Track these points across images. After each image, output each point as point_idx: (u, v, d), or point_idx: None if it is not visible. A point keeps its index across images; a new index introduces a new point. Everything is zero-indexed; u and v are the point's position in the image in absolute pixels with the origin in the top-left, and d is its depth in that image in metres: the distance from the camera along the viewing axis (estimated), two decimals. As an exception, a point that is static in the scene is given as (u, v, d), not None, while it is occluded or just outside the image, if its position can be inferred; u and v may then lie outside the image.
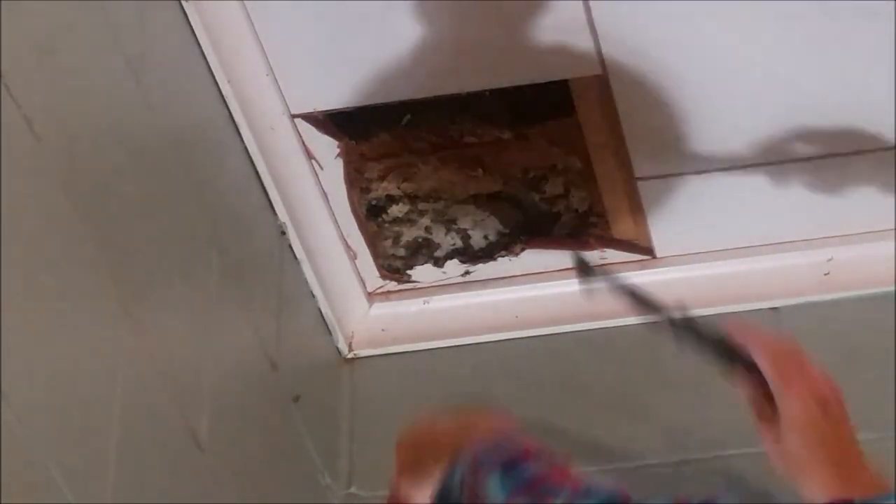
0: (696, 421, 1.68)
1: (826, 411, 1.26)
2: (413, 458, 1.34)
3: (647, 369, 1.72)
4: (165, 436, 1.31)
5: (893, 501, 1.11)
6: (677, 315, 1.32)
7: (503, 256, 1.82)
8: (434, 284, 1.86)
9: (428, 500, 1.29)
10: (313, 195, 1.74)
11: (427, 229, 1.82)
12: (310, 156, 1.71)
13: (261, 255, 1.65)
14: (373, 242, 1.83)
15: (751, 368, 1.26)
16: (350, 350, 1.85)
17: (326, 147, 1.72)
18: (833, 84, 1.57)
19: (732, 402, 1.61)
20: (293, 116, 1.66)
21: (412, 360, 1.83)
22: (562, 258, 1.82)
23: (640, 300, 1.34)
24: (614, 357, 1.76)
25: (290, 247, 1.72)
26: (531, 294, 1.82)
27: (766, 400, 1.27)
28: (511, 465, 1.17)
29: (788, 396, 1.25)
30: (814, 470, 1.26)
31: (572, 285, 1.80)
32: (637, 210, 1.74)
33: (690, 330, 1.32)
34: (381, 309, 1.86)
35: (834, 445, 1.25)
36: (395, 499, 1.37)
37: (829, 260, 1.76)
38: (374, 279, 1.86)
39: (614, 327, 1.76)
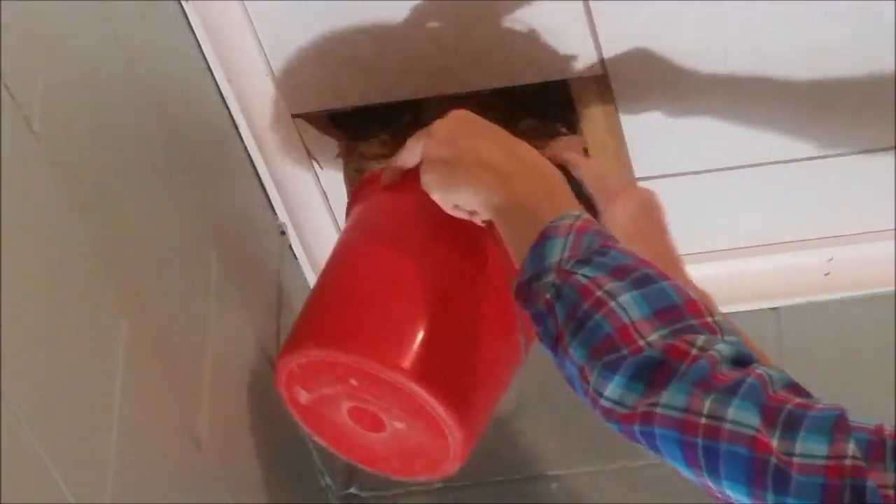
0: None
1: (649, 220, 1.35)
2: (449, 132, 1.30)
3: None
4: (165, 436, 1.31)
5: None
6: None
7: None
8: (434, 284, 1.86)
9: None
10: (313, 195, 1.74)
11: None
12: (310, 156, 1.71)
13: (261, 255, 1.65)
14: (373, 242, 1.83)
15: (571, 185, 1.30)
16: (350, 350, 1.85)
17: (326, 147, 1.72)
18: (833, 83, 1.57)
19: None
20: (293, 116, 1.66)
21: (412, 359, 1.82)
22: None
23: None
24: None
25: (290, 247, 1.72)
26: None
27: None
28: (644, 281, 1.12)
29: (612, 208, 1.34)
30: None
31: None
32: (637, 210, 1.74)
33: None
34: (381, 309, 1.86)
35: (655, 252, 1.29)
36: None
37: (829, 260, 1.76)
38: (374, 279, 1.86)
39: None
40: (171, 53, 1.50)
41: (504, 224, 1.24)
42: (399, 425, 1.46)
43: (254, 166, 1.65)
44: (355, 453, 1.52)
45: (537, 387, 1.72)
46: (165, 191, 1.41)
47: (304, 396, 1.48)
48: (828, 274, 1.76)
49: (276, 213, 1.69)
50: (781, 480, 0.99)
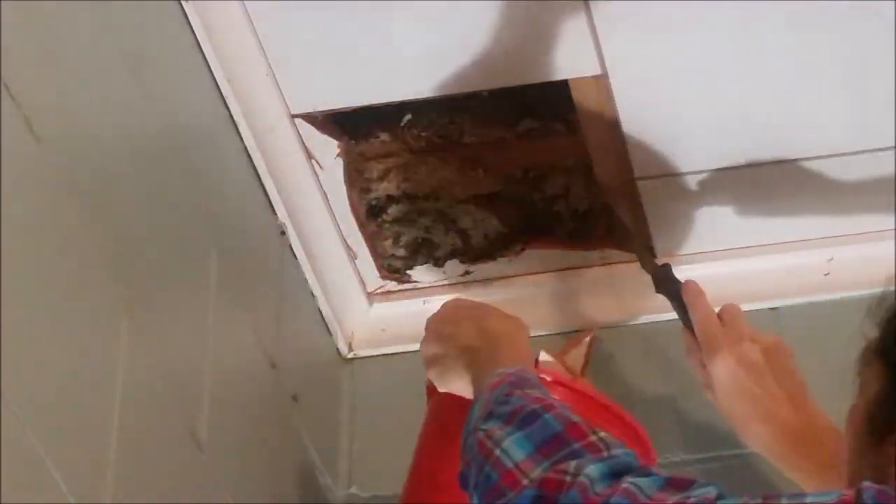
0: (710, 419, 1.68)
1: (752, 373, 1.35)
2: (437, 329, 1.39)
3: (654, 368, 1.72)
4: (165, 436, 1.31)
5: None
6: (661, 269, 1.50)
7: (503, 256, 1.82)
8: (434, 284, 1.86)
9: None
10: (313, 195, 1.74)
11: (427, 229, 1.82)
12: (310, 156, 1.71)
13: (261, 255, 1.65)
14: (373, 242, 1.83)
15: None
16: (350, 350, 1.85)
17: (326, 147, 1.72)
18: (834, 84, 1.57)
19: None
20: (293, 116, 1.66)
21: (412, 360, 1.81)
22: (562, 258, 1.82)
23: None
24: (615, 356, 1.76)
25: (290, 247, 1.72)
26: (531, 293, 1.82)
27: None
28: (529, 419, 1.15)
29: (713, 364, 1.37)
30: (746, 429, 1.35)
31: (573, 285, 1.81)
32: (637, 210, 1.74)
33: (667, 287, 1.48)
34: (381, 309, 1.86)
35: (765, 404, 1.34)
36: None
37: (829, 260, 1.76)
38: (374, 279, 1.86)
39: (615, 327, 1.76)
40: (171, 53, 1.49)
41: (473, 396, 1.30)
42: None
43: (254, 166, 1.65)
44: None
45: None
46: (165, 191, 1.41)
47: None
48: (828, 274, 1.76)
49: (276, 213, 1.69)
50: None
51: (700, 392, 1.43)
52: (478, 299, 1.82)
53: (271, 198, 1.68)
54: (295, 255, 1.73)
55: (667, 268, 1.52)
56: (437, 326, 1.41)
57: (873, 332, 1.07)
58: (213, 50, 1.55)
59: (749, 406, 1.35)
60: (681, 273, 1.81)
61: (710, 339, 1.39)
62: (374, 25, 1.56)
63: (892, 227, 1.70)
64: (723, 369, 1.36)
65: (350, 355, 1.85)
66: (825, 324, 1.72)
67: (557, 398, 1.22)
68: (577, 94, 1.62)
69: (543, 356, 1.50)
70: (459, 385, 1.36)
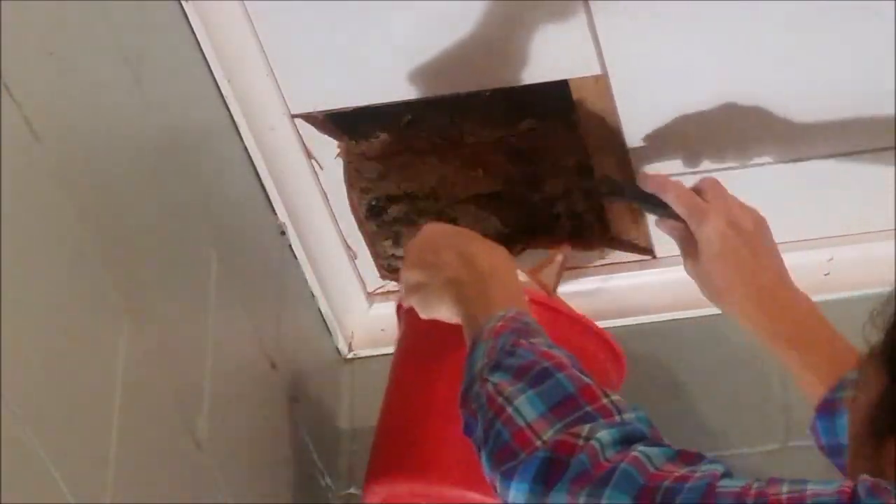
0: (710, 418, 1.68)
1: (740, 235, 1.38)
2: (418, 256, 1.38)
3: (653, 368, 1.72)
4: (165, 436, 1.31)
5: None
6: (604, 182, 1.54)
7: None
8: (434, 284, 1.86)
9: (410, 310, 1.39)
10: (313, 195, 1.74)
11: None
12: (310, 156, 1.71)
13: (261, 255, 1.65)
14: (373, 242, 1.83)
15: (666, 213, 1.42)
16: (350, 350, 1.85)
17: (326, 147, 1.72)
18: (834, 83, 1.57)
19: (746, 400, 1.63)
20: (293, 116, 1.66)
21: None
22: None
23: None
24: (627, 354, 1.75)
25: (290, 247, 1.72)
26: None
27: (687, 233, 1.40)
28: (541, 377, 1.15)
29: (702, 225, 1.39)
30: (729, 292, 1.38)
31: (573, 285, 1.81)
32: (637, 210, 1.74)
33: (620, 193, 1.52)
34: (381, 309, 1.86)
35: (745, 268, 1.38)
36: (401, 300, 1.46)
37: (829, 260, 1.76)
38: (374, 279, 1.86)
39: (616, 327, 1.76)
40: (171, 53, 1.49)
41: (465, 334, 1.30)
42: None
43: (254, 166, 1.65)
44: None
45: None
46: (165, 190, 1.41)
47: None
48: (828, 274, 1.76)
49: (276, 213, 1.69)
50: None
51: (700, 393, 1.44)
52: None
53: (271, 198, 1.68)
54: (295, 255, 1.73)
55: (611, 179, 1.56)
56: (419, 253, 1.39)
57: (875, 336, 1.07)
58: (213, 50, 1.55)
59: (734, 268, 1.38)
60: (681, 273, 1.81)
61: (697, 206, 1.41)
62: (375, 25, 1.56)
63: (892, 227, 1.70)
64: (713, 230, 1.39)
65: (350, 355, 1.85)
66: (825, 324, 1.72)
67: (538, 319, 1.24)
68: (577, 94, 1.62)
69: (519, 276, 1.50)
70: (444, 314, 1.35)
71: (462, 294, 1.32)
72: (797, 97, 1.59)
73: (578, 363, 1.19)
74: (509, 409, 1.14)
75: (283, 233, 1.71)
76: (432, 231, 1.42)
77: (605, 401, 1.13)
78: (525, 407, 1.13)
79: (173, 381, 1.32)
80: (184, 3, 1.50)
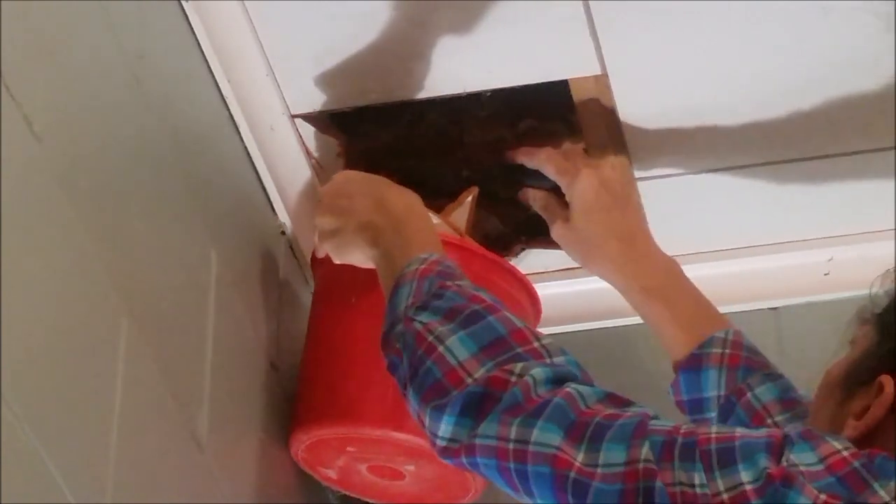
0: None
1: (612, 193, 1.43)
2: (331, 202, 1.40)
3: (651, 369, 1.72)
4: (165, 436, 1.31)
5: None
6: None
7: (503, 256, 1.82)
8: (434, 284, 1.86)
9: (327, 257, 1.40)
10: (313, 195, 1.74)
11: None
12: (310, 156, 1.71)
13: (261, 255, 1.65)
14: (373, 242, 1.82)
15: (533, 181, 1.47)
16: (350, 350, 1.85)
17: (326, 147, 1.72)
18: (834, 83, 1.57)
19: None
20: (293, 116, 1.66)
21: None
22: (562, 258, 1.82)
23: None
24: (615, 357, 1.76)
25: (291, 247, 1.72)
26: (531, 294, 1.82)
27: (557, 201, 1.45)
28: (472, 319, 1.17)
29: (574, 183, 1.43)
30: (602, 247, 1.42)
31: (572, 285, 1.81)
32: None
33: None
34: (381, 309, 1.86)
35: (620, 224, 1.43)
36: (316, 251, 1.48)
37: (829, 260, 1.76)
38: (374, 279, 1.86)
39: (616, 327, 1.76)
40: (171, 53, 1.49)
41: (380, 278, 1.32)
42: (411, 468, 1.55)
43: (254, 166, 1.65)
44: (399, 499, 1.62)
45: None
46: (165, 191, 1.41)
47: (329, 472, 1.60)
48: (828, 274, 1.76)
49: (276, 213, 1.69)
50: (580, 492, 1.04)
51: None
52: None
53: (271, 198, 1.68)
54: (295, 255, 1.73)
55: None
56: (332, 199, 1.40)
57: (881, 300, 1.10)
58: (213, 50, 1.55)
59: (607, 223, 1.43)
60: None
61: (567, 167, 1.46)
62: (374, 25, 1.56)
63: (892, 227, 1.70)
64: (587, 187, 1.43)
65: (350, 355, 1.85)
66: (825, 324, 1.72)
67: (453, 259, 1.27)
68: (577, 94, 1.62)
69: (431, 218, 1.52)
70: (359, 258, 1.37)
71: (378, 238, 1.33)
72: (797, 97, 1.59)
73: (506, 306, 1.20)
74: (440, 348, 1.15)
75: (283, 233, 1.71)
76: (345, 177, 1.44)
77: (535, 343, 1.15)
78: (456, 346, 1.15)
79: (173, 381, 1.32)
80: (184, 3, 1.50)
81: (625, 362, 1.75)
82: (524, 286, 1.58)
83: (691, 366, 1.36)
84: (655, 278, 1.42)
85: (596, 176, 1.45)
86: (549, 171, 1.48)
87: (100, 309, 1.21)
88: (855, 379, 1.12)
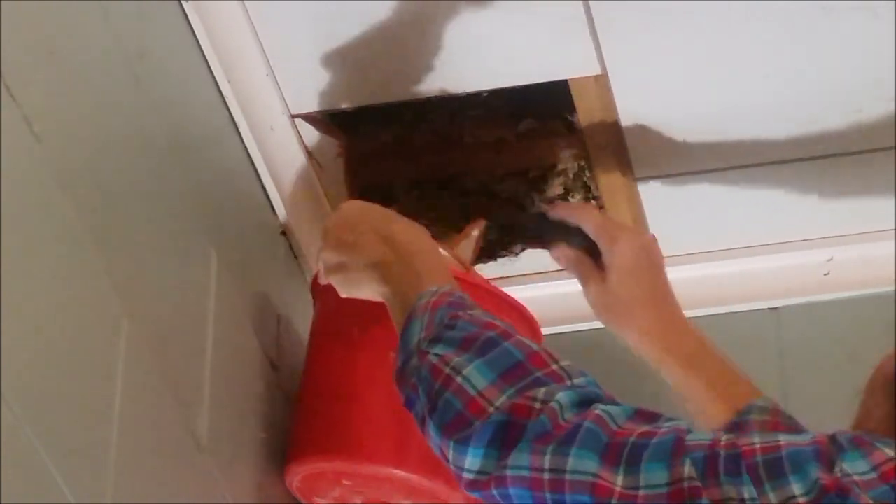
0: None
1: (650, 261, 1.42)
2: (336, 236, 1.38)
3: (651, 369, 1.72)
4: (165, 436, 1.31)
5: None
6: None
7: (503, 256, 1.82)
8: (434, 284, 1.86)
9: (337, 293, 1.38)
10: (313, 195, 1.74)
11: (427, 229, 1.82)
12: (310, 156, 1.71)
13: (261, 255, 1.65)
14: (373, 242, 1.82)
15: (570, 239, 1.45)
16: (350, 350, 1.85)
17: (326, 147, 1.72)
18: (834, 83, 1.57)
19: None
20: (293, 116, 1.66)
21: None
22: (562, 258, 1.82)
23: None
24: (615, 357, 1.75)
25: (291, 247, 1.72)
26: (531, 294, 1.82)
27: (590, 261, 1.43)
28: (488, 346, 1.15)
29: (616, 247, 1.42)
30: (635, 310, 1.41)
31: (572, 285, 1.81)
32: (637, 210, 1.74)
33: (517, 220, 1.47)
34: (381, 309, 1.86)
35: (656, 288, 1.42)
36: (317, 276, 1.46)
37: (829, 260, 1.76)
38: (374, 279, 1.86)
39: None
40: (171, 53, 1.49)
41: (391, 314, 1.30)
42: (407, 503, 1.54)
43: (254, 166, 1.65)
44: None
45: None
46: (165, 190, 1.41)
47: (323, 503, 1.58)
48: (828, 274, 1.76)
49: (276, 213, 1.69)
50: None
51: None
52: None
53: (271, 198, 1.68)
54: (295, 256, 1.73)
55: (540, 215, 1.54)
56: (337, 233, 1.38)
57: None
58: (213, 50, 1.55)
59: (643, 289, 1.41)
60: (681, 273, 1.82)
61: (611, 227, 1.44)
62: (374, 25, 1.56)
63: (892, 227, 1.70)
64: (627, 250, 1.41)
65: (350, 355, 1.85)
66: (825, 324, 1.72)
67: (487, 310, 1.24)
68: (577, 94, 1.62)
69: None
70: (367, 294, 1.34)
71: (388, 274, 1.31)
72: (797, 96, 1.59)
73: (517, 331, 1.19)
74: (458, 379, 1.13)
75: (283, 233, 1.71)
76: (349, 210, 1.41)
77: (554, 367, 1.13)
78: (474, 376, 1.13)
79: (173, 381, 1.32)
80: (184, 3, 1.50)
81: (624, 362, 1.75)
82: (527, 320, 1.57)
83: (732, 431, 1.33)
84: (693, 348, 1.39)
85: (637, 240, 1.43)
86: (590, 229, 1.45)
87: (100, 309, 1.21)
88: None
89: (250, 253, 1.62)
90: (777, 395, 1.68)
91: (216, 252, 1.49)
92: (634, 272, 1.41)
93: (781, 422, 1.33)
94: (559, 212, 1.48)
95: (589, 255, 1.44)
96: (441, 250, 1.50)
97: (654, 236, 1.46)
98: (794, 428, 1.31)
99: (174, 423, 1.33)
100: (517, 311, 1.57)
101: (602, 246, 1.43)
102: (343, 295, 1.38)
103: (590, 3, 1.50)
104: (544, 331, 1.77)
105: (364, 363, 1.51)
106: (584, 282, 1.45)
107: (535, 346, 1.15)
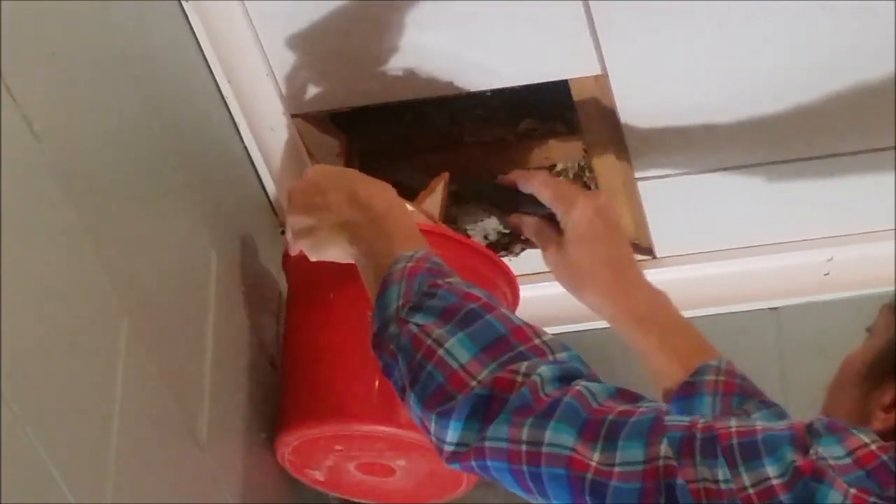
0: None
1: (606, 224, 1.43)
2: (303, 200, 1.38)
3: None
4: (165, 436, 1.31)
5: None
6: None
7: (503, 256, 1.82)
8: (434, 284, 1.86)
9: (301, 254, 1.39)
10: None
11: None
12: (310, 156, 1.71)
13: (261, 255, 1.65)
14: (373, 242, 1.82)
15: (526, 207, 1.46)
16: (350, 350, 1.85)
17: (326, 147, 1.72)
18: (834, 83, 1.57)
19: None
20: (293, 116, 1.66)
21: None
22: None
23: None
24: (614, 357, 1.75)
25: (290, 247, 1.72)
26: (531, 294, 1.81)
27: (549, 227, 1.44)
28: (470, 319, 1.16)
29: (571, 212, 1.43)
30: (595, 276, 1.42)
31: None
32: (637, 210, 1.74)
33: (476, 196, 1.48)
34: (381, 309, 1.86)
35: (613, 254, 1.43)
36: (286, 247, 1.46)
37: (829, 260, 1.76)
38: (374, 279, 1.86)
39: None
40: (171, 53, 1.49)
41: (363, 275, 1.30)
42: (402, 462, 1.54)
43: (254, 166, 1.65)
44: (390, 497, 1.61)
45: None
46: (165, 191, 1.41)
47: (317, 474, 1.58)
48: (828, 274, 1.76)
49: (276, 213, 1.69)
50: (598, 492, 1.03)
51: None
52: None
53: (271, 198, 1.68)
54: (295, 255, 1.73)
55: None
56: (304, 197, 1.38)
57: None
58: (213, 50, 1.55)
59: (600, 252, 1.42)
60: (681, 273, 1.82)
61: (566, 193, 1.45)
62: (374, 26, 1.56)
63: (892, 227, 1.70)
64: (582, 215, 1.43)
65: (350, 355, 1.85)
66: (825, 324, 1.72)
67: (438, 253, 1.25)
68: (577, 94, 1.62)
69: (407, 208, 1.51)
70: (337, 255, 1.34)
71: (357, 235, 1.31)
72: (797, 96, 1.59)
73: (500, 302, 1.19)
74: (440, 351, 1.14)
75: (283, 233, 1.70)
76: (316, 173, 1.41)
77: (537, 341, 1.14)
78: (457, 348, 1.13)
79: (173, 381, 1.32)
80: (184, 3, 1.50)
81: (624, 362, 1.75)
82: (501, 268, 1.57)
83: (684, 393, 1.34)
84: (647, 308, 1.41)
85: (591, 204, 1.44)
86: (545, 196, 1.47)
87: (100, 309, 1.21)
88: (880, 370, 1.11)
89: (250, 252, 1.62)
90: (777, 395, 1.68)
91: (216, 252, 1.49)
92: (588, 240, 1.43)
93: (736, 383, 1.34)
94: (513, 180, 1.49)
95: (548, 221, 1.46)
96: (410, 206, 1.51)
97: (608, 197, 1.47)
98: (749, 390, 1.33)
99: (174, 422, 1.33)
100: (491, 260, 1.56)
101: (557, 211, 1.45)
102: (312, 258, 1.38)
103: (590, 3, 1.50)
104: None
105: (342, 324, 1.50)
106: (543, 247, 1.47)
107: (517, 320, 1.16)
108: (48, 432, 1.07)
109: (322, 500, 1.70)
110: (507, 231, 1.81)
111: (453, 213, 1.80)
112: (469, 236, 1.64)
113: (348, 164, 1.74)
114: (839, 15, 1.49)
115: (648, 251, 1.80)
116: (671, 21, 1.51)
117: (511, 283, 1.59)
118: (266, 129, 1.64)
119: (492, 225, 1.81)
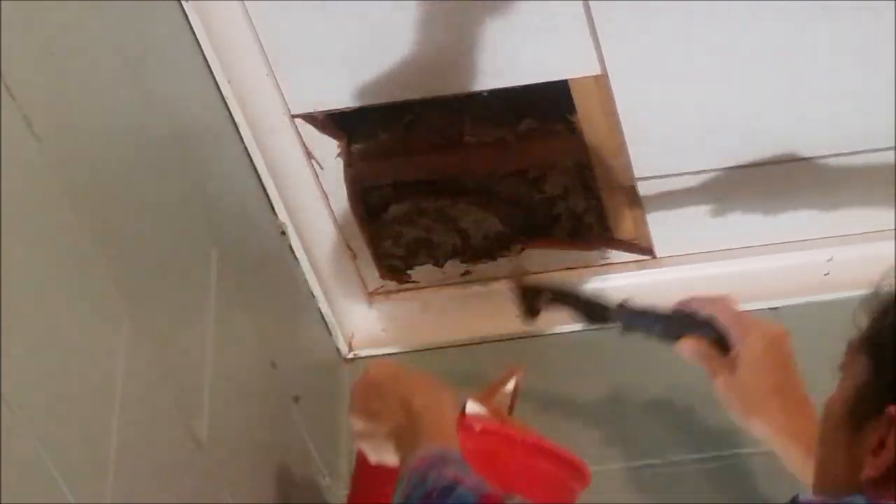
0: (708, 419, 1.69)
1: (780, 353, 1.42)
2: (363, 403, 1.40)
3: (654, 369, 1.72)
4: (165, 436, 1.31)
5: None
6: (623, 308, 1.50)
7: (503, 256, 1.82)
8: (434, 284, 1.86)
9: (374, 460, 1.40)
10: (313, 195, 1.74)
11: (427, 229, 1.82)
12: (310, 156, 1.71)
13: (261, 255, 1.65)
14: (373, 242, 1.83)
15: (700, 331, 1.44)
16: (350, 350, 1.85)
17: (326, 147, 1.72)
18: (834, 83, 1.57)
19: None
20: (293, 116, 1.66)
21: (412, 360, 1.83)
22: (562, 258, 1.82)
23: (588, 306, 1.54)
24: (614, 357, 1.75)
25: (290, 247, 1.72)
26: (531, 294, 1.82)
27: (717, 351, 1.43)
28: (444, 494, 1.19)
29: (746, 338, 1.41)
30: (764, 401, 1.40)
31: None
32: (637, 210, 1.75)
33: (638, 319, 1.50)
34: (381, 309, 1.86)
35: (782, 378, 1.41)
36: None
37: (829, 260, 1.76)
38: (374, 279, 1.86)
39: (614, 328, 1.76)
40: (171, 53, 1.49)
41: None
42: None
43: (254, 166, 1.65)
44: None
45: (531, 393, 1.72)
46: (165, 190, 1.41)
47: None
48: (828, 274, 1.76)
49: (276, 213, 1.69)
50: None
51: (701, 392, 1.44)
52: (478, 300, 1.84)
53: (271, 198, 1.68)
54: (295, 255, 1.73)
55: (625, 304, 1.52)
56: (364, 400, 1.40)
57: (864, 324, 1.10)
58: (213, 50, 1.55)
59: (773, 381, 1.40)
60: (681, 273, 1.82)
61: (741, 319, 1.43)
62: (374, 25, 1.56)
63: (892, 227, 1.70)
64: (758, 344, 1.41)
65: (350, 355, 1.85)
66: (825, 324, 1.71)
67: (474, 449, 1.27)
68: (577, 94, 1.62)
69: (470, 406, 1.49)
70: (391, 460, 1.38)
71: (400, 440, 1.35)
72: (797, 96, 1.59)
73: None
74: None
75: (284, 233, 1.71)
76: (376, 374, 1.43)
77: None
78: None
79: (173, 382, 1.32)
80: (184, 3, 1.50)
81: (623, 363, 1.75)
82: (567, 461, 1.52)
83: None
84: (812, 435, 1.39)
85: (768, 335, 1.43)
86: (724, 320, 1.45)
87: (100, 309, 1.21)
88: (861, 412, 1.10)
89: (250, 253, 1.62)
90: (777, 395, 1.68)
91: (216, 252, 1.49)
92: (763, 370, 1.40)
93: None
94: (694, 304, 1.47)
95: (715, 347, 1.43)
96: (476, 404, 1.50)
97: (786, 329, 1.45)
98: None
99: (174, 423, 1.33)
100: (555, 454, 1.51)
101: (733, 339, 1.42)
102: (372, 461, 1.41)
103: (590, 3, 1.50)
104: (546, 330, 1.78)
105: None
106: (714, 373, 1.44)
107: (486, 488, 1.18)
108: (48, 432, 1.07)
109: (322, 499, 1.71)
110: (506, 231, 1.81)
111: (454, 213, 1.80)
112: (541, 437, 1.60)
113: (348, 165, 1.74)
114: (839, 15, 1.49)
115: (648, 251, 1.80)
116: (671, 22, 1.51)
117: (583, 479, 1.53)
118: (266, 129, 1.65)
119: (492, 224, 1.81)
